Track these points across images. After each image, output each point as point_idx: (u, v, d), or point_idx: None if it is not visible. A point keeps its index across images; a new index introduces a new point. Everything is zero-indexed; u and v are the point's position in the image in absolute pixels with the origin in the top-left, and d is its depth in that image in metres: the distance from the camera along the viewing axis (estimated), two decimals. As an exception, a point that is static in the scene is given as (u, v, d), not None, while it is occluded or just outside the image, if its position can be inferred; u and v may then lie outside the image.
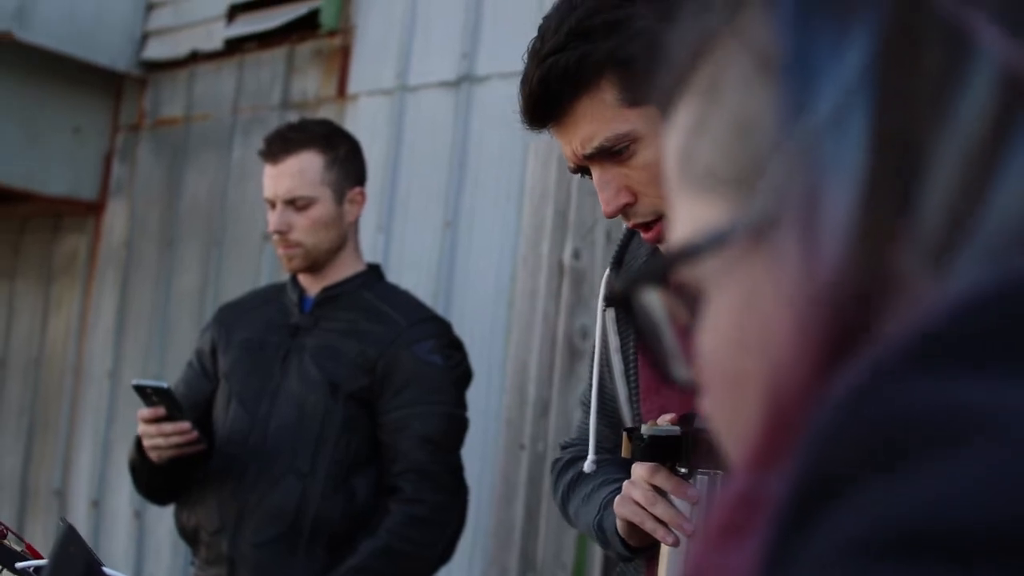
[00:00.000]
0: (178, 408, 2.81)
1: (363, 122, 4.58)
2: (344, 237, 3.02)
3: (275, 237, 3.00)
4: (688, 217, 0.66)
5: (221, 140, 5.46)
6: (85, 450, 5.84)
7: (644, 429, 1.66)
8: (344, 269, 3.04)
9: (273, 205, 3.00)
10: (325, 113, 4.84)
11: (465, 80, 4.45)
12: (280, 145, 3.00)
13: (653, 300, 0.68)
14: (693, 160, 0.65)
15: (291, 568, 2.91)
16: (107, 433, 5.73)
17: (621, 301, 0.68)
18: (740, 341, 0.61)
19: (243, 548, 2.94)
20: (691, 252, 0.63)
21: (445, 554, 2.97)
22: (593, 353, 1.99)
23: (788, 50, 0.59)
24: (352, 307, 3.00)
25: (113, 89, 5.95)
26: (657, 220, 1.73)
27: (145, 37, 5.79)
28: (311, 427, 2.92)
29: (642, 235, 1.78)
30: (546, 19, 1.75)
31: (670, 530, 1.67)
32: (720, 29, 0.65)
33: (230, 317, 3.17)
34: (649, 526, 1.69)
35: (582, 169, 1.78)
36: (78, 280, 6.10)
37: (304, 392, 2.94)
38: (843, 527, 0.48)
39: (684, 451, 1.65)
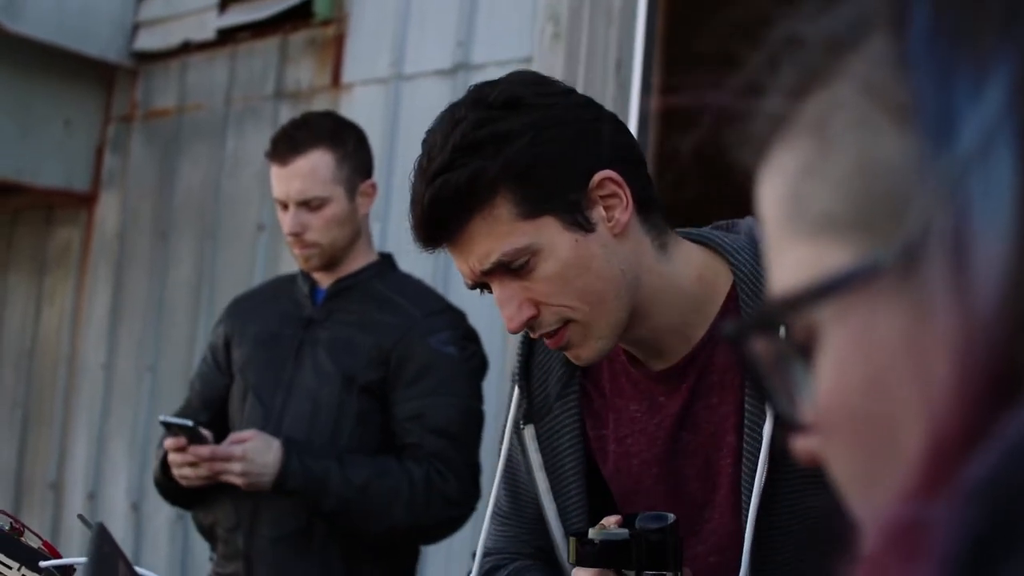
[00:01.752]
0: (201, 442, 2.80)
1: (358, 112, 4.57)
2: (358, 231, 3.01)
3: (290, 238, 2.97)
4: (799, 262, 0.66)
5: (214, 131, 5.45)
6: (80, 442, 5.83)
7: (592, 533, 1.64)
8: (357, 261, 3.02)
9: (285, 206, 2.96)
10: (319, 103, 4.83)
11: (461, 68, 4.44)
12: (288, 145, 2.95)
13: (762, 347, 0.68)
14: (804, 204, 0.65)
15: (307, 565, 2.90)
16: (102, 425, 5.72)
17: (733, 347, 0.68)
18: (872, 383, 0.61)
19: (259, 544, 2.93)
20: (812, 296, 0.63)
21: (425, 534, 2.94)
22: (497, 470, 1.94)
23: (924, 91, 0.59)
24: (365, 299, 2.98)
25: (104, 80, 5.93)
26: (561, 327, 1.70)
27: (136, 28, 5.77)
28: (325, 420, 2.91)
29: (546, 342, 1.74)
30: (430, 133, 1.70)
31: None
32: (822, 71, 0.65)
33: (243, 310, 3.16)
34: None
35: (481, 285, 1.74)
36: (71, 272, 6.08)
37: (318, 385, 2.93)
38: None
39: (633, 554, 1.62)
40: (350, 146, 2.99)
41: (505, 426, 2.00)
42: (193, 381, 3.21)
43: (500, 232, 1.66)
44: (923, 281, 0.58)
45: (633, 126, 4.09)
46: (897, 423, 0.60)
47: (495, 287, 1.71)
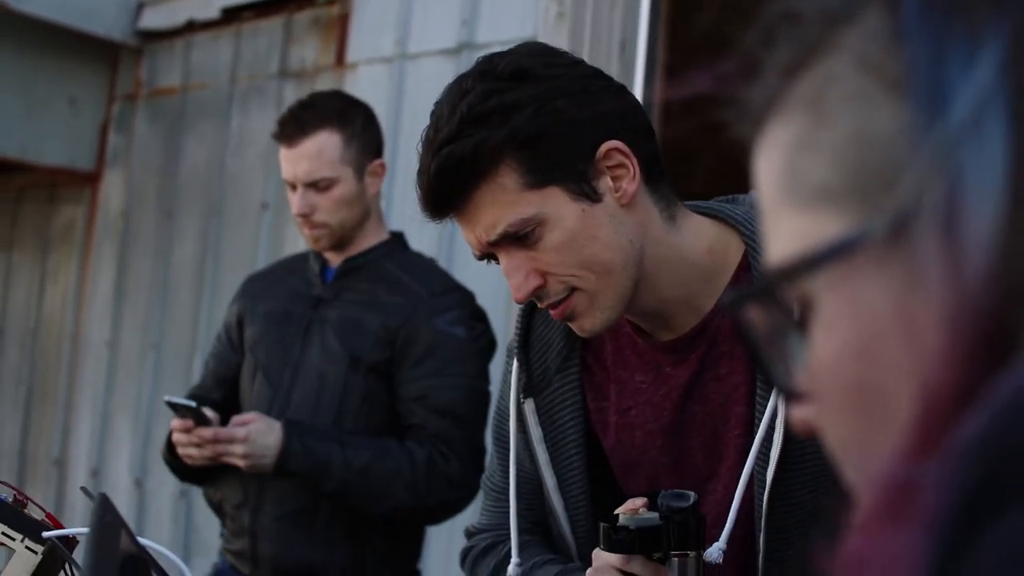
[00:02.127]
0: (205, 423, 2.81)
1: (362, 91, 4.57)
2: (368, 210, 3.00)
3: (299, 219, 2.98)
4: (794, 232, 0.67)
5: (219, 110, 5.45)
6: (84, 419, 5.85)
7: (624, 519, 1.63)
8: (367, 239, 3.02)
9: (293, 187, 2.96)
10: (324, 82, 4.83)
11: (465, 48, 4.44)
12: (295, 127, 2.95)
13: (759, 316, 0.69)
14: (800, 176, 0.67)
15: (311, 544, 2.92)
16: (106, 402, 5.73)
17: (732, 316, 0.69)
18: (865, 349, 0.63)
19: (264, 521, 2.94)
20: (806, 266, 0.64)
21: (427, 515, 2.94)
22: (509, 444, 1.93)
23: (917, 64, 0.60)
24: (374, 278, 2.98)
25: (109, 59, 5.93)
26: (567, 296, 1.71)
27: (141, 6, 5.76)
28: (330, 400, 2.92)
29: (552, 313, 1.74)
30: (438, 104, 1.71)
31: None
32: (817, 46, 0.66)
33: (256, 288, 3.16)
34: None
35: (488, 255, 1.74)
36: (75, 250, 6.09)
37: (325, 365, 2.93)
38: (1014, 534, 0.50)
39: (664, 538, 1.62)
40: (358, 125, 2.98)
41: (498, 401, 2.00)
42: (208, 360, 3.23)
43: (506, 202, 1.67)
44: (915, 250, 0.59)
45: (641, 66, 4.10)
46: (889, 389, 0.61)
47: (502, 257, 1.72)
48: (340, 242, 2.99)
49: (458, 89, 1.69)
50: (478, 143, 1.65)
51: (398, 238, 3.09)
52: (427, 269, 3.06)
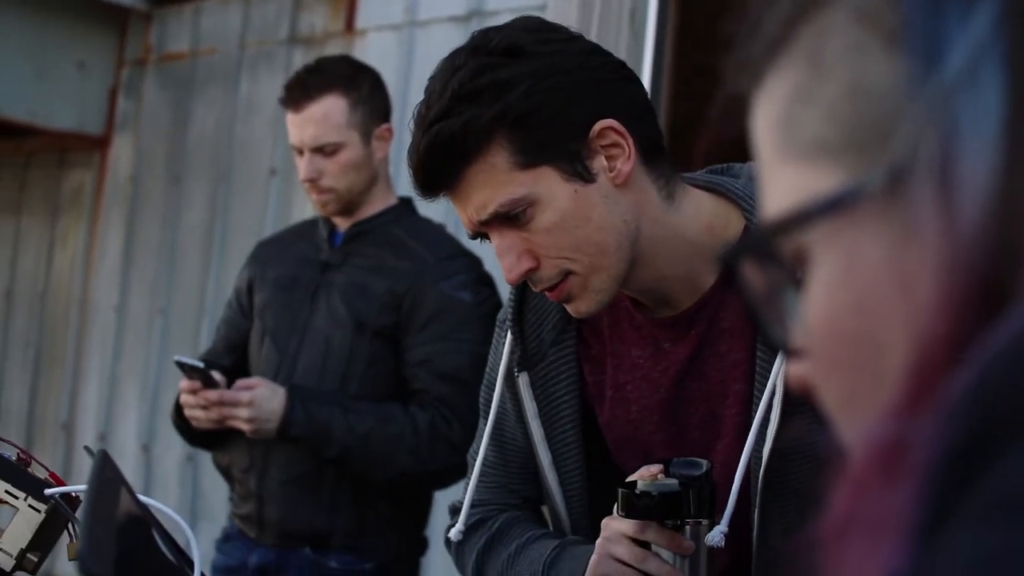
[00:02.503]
0: (212, 385, 2.82)
1: (371, 57, 4.56)
2: (375, 175, 3.00)
3: (306, 184, 2.98)
4: (790, 186, 0.67)
5: (228, 75, 5.44)
6: (92, 384, 5.86)
7: (643, 485, 1.61)
8: (375, 204, 3.01)
9: (300, 152, 2.96)
10: (333, 48, 4.82)
11: (475, 15, 4.43)
12: (300, 91, 2.94)
13: (754, 271, 0.69)
14: (797, 129, 0.66)
15: (316, 508, 2.92)
16: (114, 367, 5.75)
17: (727, 270, 0.69)
18: (860, 304, 0.62)
19: (270, 485, 2.95)
20: (801, 219, 0.64)
21: (432, 480, 2.94)
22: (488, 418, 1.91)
23: (914, 16, 0.60)
24: (381, 243, 2.97)
25: (119, 23, 5.93)
26: (562, 280, 1.68)
27: (151, -29, 5.76)
28: (336, 365, 2.92)
29: (547, 295, 1.71)
30: (431, 80, 1.69)
31: None
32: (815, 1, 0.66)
33: (265, 254, 3.17)
34: None
35: (481, 235, 1.71)
36: (84, 215, 6.09)
37: (331, 329, 2.93)
38: (1007, 480, 0.50)
39: (683, 504, 1.61)
40: (364, 90, 2.98)
41: (487, 373, 1.98)
42: (219, 326, 3.23)
43: (497, 182, 1.64)
44: (910, 203, 0.59)
45: (647, 76, 4.08)
46: (883, 344, 0.61)
47: (494, 237, 1.69)
48: (347, 207, 2.99)
49: (450, 65, 1.66)
50: (468, 121, 1.62)
51: (406, 203, 3.09)
52: (434, 234, 3.05)
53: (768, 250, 0.67)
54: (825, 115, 0.64)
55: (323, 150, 2.92)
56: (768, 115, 0.68)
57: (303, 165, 2.95)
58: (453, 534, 1.91)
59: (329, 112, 2.91)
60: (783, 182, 0.67)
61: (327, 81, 2.93)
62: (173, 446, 5.12)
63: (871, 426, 0.58)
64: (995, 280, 0.56)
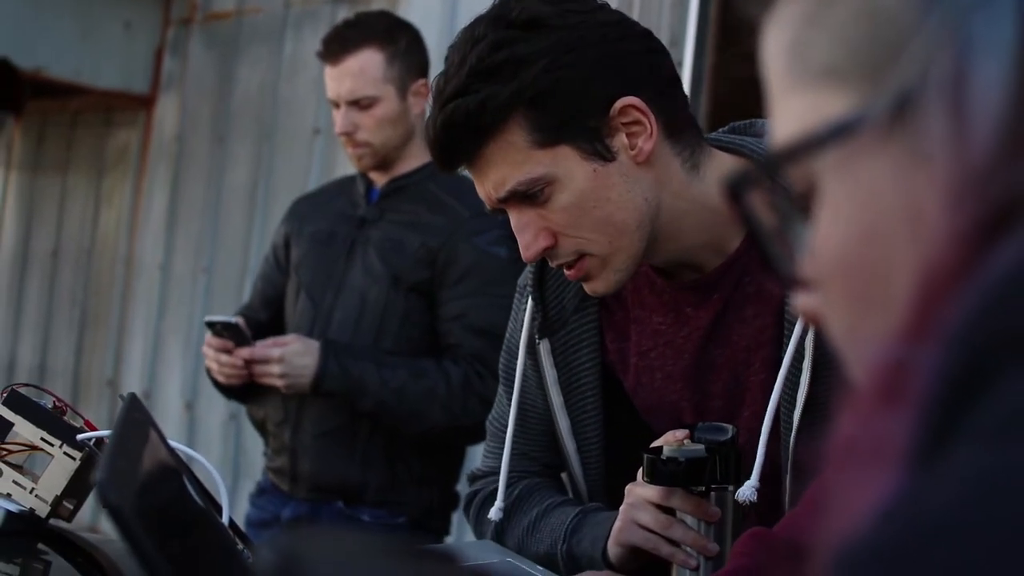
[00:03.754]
0: (245, 340, 2.84)
1: (415, 14, 4.54)
2: (412, 131, 3.00)
3: (342, 138, 2.99)
4: (799, 112, 0.65)
5: (273, 34, 5.44)
6: (136, 341, 5.90)
7: (669, 451, 1.58)
8: (412, 161, 3.02)
9: (337, 106, 2.97)
10: (377, 5, 4.80)
11: (519, -26, 4.40)
12: (338, 45, 2.95)
13: (762, 200, 0.67)
14: (806, 54, 0.65)
15: (349, 460, 2.94)
16: (158, 325, 5.78)
17: (730, 201, 0.68)
18: (868, 232, 0.61)
19: (304, 439, 2.97)
20: (810, 146, 0.63)
21: (465, 434, 2.94)
22: (513, 385, 1.89)
23: None
24: (417, 199, 2.98)
25: (164, -18, 5.95)
26: (579, 259, 1.66)
27: (197, -71, 5.76)
28: (371, 320, 2.93)
29: (566, 272, 1.69)
30: (451, 49, 1.65)
31: (690, 553, 1.61)
32: None
33: (304, 209, 3.18)
34: (666, 551, 1.62)
35: (500, 211, 1.69)
36: (129, 174, 6.12)
37: (366, 284, 2.95)
38: (1008, 397, 0.49)
39: (708, 470, 1.58)
40: (402, 44, 2.97)
41: (507, 339, 1.96)
42: (256, 281, 3.26)
43: (515, 160, 1.61)
44: (919, 128, 0.58)
45: (691, 36, 4.05)
46: (892, 272, 0.60)
47: (512, 214, 1.66)
48: (383, 162, 2.99)
49: (470, 36, 1.63)
50: (485, 99, 1.59)
51: None
52: (469, 190, 3.02)
53: (776, 177, 0.66)
54: (834, 39, 0.63)
55: (359, 103, 2.93)
56: (778, 41, 0.67)
57: (339, 119, 2.96)
58: (493, 513, 1.89)
59: (366, 66, 2.92)
60: (792, 109, 0.66)
61: (364, 35, 2.93)
62: (216, 404, 5.15)
63: (875, 353, 0.57)
64: (1004, 207, 0.55)
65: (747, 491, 1.61)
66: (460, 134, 1.62)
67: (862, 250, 0.62)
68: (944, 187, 0.56)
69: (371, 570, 0.52)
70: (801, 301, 0.69)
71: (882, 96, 0.60)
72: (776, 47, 0.67)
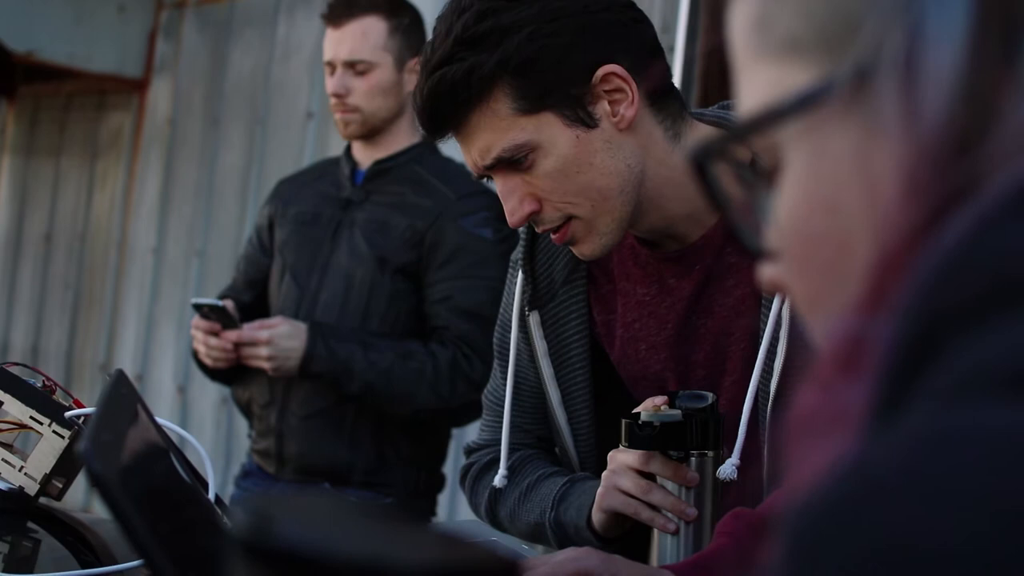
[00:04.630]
0: (232, 323, 2.85)
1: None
2: (402, 106, 3.01)
3: (333, 101, 2.99)
4: (763, 84, 0.66)
5: (266, 18, 5.44)
6: (129, 325, 5.91)
7: (646, 416, 1.60)
8: (398, 141, 3.03)
9: (333, 69, 2.99)
10: (370, -9, 4.80)
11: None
12: (344, 8, 2.98)
13: (725, 169, 0.68)
14: (770, 27, 0.66)
15: (336, 442, 2.95)
16: (151, 308, 5.79)
17: (695, 171, 0.69)
18: (828, 202, 0.62)
19: (291, 421, 2.98)
20: (773, 117, 0.64)
21: (451, 417, 2.96)
22: (508, 357, 1.91)
23: None
24: (403, 180, 2.99)
25: (158, -34, 5.94)
26: (565, 223, 1.68)
27: (190, -87, 5.76)
28: (357, 301, 2.94)
29: (552, 236, 1.71)
30: (438, 20, 1.67)
31: (670, 517, 1.63)
32: None
33: (287, 191, 3.19)
34: (646, 516, 1.64)
35: (486, 176, 1.71)
36: (122, 157, 6.12)
37: (352, 265, 2.95)
38: (956, 363, 0.50)
39: (687, 435, 1.60)
40: (405, 20, 3.00)
41: (501, 313, 1.98)
42: (239, 262, 3.26)
43: (500, 127, 1.64)
44: (875, 100, 0.59)
45: (683, 21, 4.05)
46: (850, 242, 0.61)
47: (497, 180, 1.69)
48: (370, 132, 3.00)
49: (456, 6, 1.65)
50: (471, 68, 1.61)
51: (429, 142, 3.09)
52: (456, 172, 3.05)
53: (740, 148, 0.67)
54: (797, 12, 0.64)
55: (355, 67, 2.95)
56: (743, 15, 0.68)
57: (333, 80, 2.97)
58: (498, 480, 1.91)
59: (368, 30, 2.95)
60: (756, 81, 0.67)
61: (371, 2, 2.96)
62: (209, 388, 5.16)
63: (835, 325, 0.58)
64: (956, 178, 0.56)
65: (727, 469, 1.62)
66: (446, 102, 1.65)
67: (822, 220, 0.63)
68: (897, 159, 0.58)
69: (342, 528, 0.53)
70: (766, 271, 0.70)
71: (842, 69, 0.61)
72: (741, 20, 0.68)
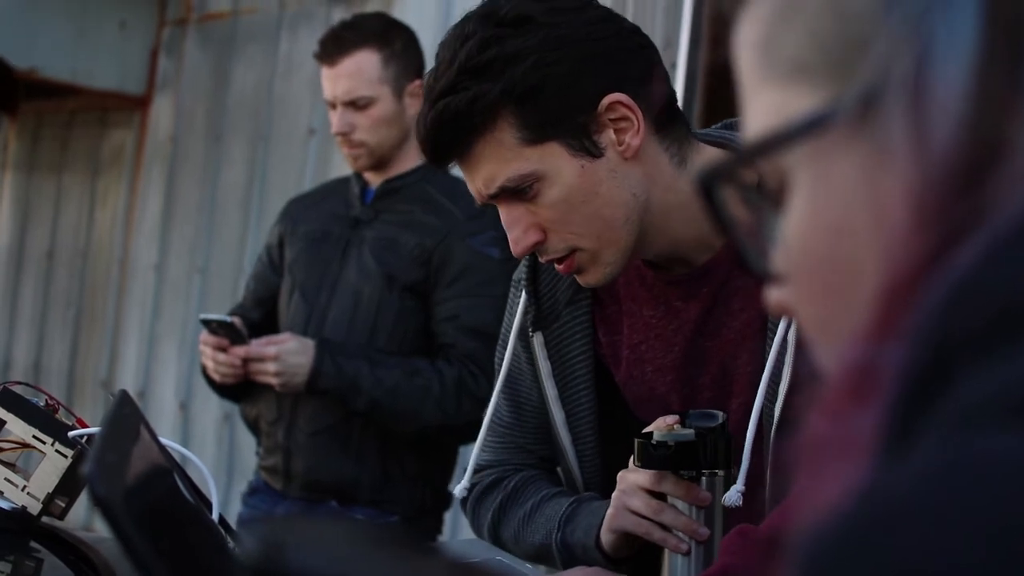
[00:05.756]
0: (241, 338, 2.86)
1: (411, 14, 4.54)
2: (407, 131, 3.01)
3: (338, 138, 3.01)
4: (770, 108, 0.66)
5: (268, 35, 5.45)
6: (131, 342, 5.90)
7: (660, 435, 1.60)
8: (407, 161, 3.04)
9: (334, 106, 3.00)
10: (372, 6, 4.81)
11: (513, -26, 4.40)
12: (335, 46, 2.99)
13: (733, 194, 0.68)
14: (777, 49, 0.66)
15: (343, 459, 2.95)
16: (153, 325, 5.78)
17: (702, 195, 0.68)
18: (836, 226, 0.62)
19: (298, 437, 2.99)
20: (779, 141, 0.63)
21: (457, 434, 2.95)
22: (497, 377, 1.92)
23: None
24: (412, 199, 3.00)
25: (160, -17, 5.95)
26: (570, 254, 1.67)
27: (192, -70, 5.76)
28: (364, 319, 2.95)
29: (557, 267, 1.71)
30: (440, 47, 1.67)
31: (681, 538, 1.62)
32: None
33: (297, 210, 3.20)
34: (658, 536, 1.63)
35: (489, 205, 1.71)
36: (124, 174, 6.13)
37: (361, 283, 2.96)
38: (965, 391, 0.50)
39: (699, 454, 1.60)
40: (397, 46, 3.00)
41: (502, 333, 1.98)
42: (249, 281, 3.28)
43: (504, 157, 1.63)
44: (882, 125, 0.58)
45: (685, 36, 4.05)
46: (858, 267, 0.61)
47: (501, 209, 1.68)
48: (379, 162, 3.01)
49: (460, 33, 1.65)
50: (474, 97, 1.61)
51: None
52: (464, 192, 3.03)
53: (747, 172, 0.67)
54: (804, 35, 0.64)
55: (355, 104, 2.96)
56: (749, 36, 0.68)
57: (336, 119, 2.99)
58: (458, 491, 1.91)
59: (362, 66, 2.95)
60: (762, 104, 0.66)
61: (360, 36, 2.96)
62: (211, 404, 5.15)
63: (844, 350, 0.58)
64: (965, 205, 0.55)
65: (733, 496, 1.62)
66: (450, 131, 1.64)
67: (829, 244, 0.63)
68: (905, 184, 0.57)
69: (354, 558, 0.52)
70: (773, 294, 0.69)
71: (849, 93, 0.60)
72: (748, 43, 0.68)
